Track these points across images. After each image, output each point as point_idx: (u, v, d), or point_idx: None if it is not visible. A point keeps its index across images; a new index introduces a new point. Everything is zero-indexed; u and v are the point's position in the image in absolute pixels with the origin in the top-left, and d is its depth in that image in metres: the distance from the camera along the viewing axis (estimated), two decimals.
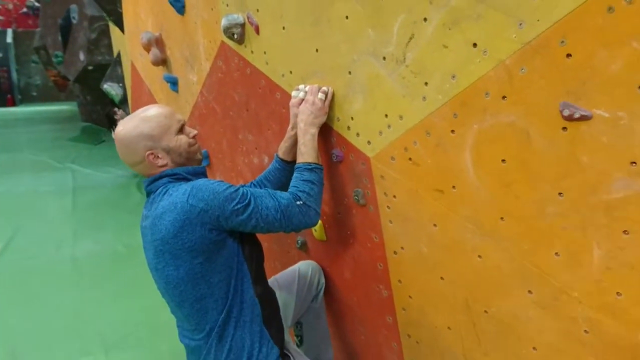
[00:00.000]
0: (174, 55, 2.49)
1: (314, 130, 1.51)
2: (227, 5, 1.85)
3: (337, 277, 1.79)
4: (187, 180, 1.43)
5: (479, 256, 1.24)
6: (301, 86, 1.56)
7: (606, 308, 1.03)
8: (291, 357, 1.55)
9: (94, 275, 3.69)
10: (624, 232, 0.95)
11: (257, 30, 1.73)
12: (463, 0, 1.09)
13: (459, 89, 1.16)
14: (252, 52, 1.79)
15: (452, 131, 1.20)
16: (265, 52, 1.73)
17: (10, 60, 24.40)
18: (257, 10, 1.71)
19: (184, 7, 2.21)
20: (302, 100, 1.53)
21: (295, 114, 1.55)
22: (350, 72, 1.42)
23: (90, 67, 9.95)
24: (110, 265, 3.84)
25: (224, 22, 1.79)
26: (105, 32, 9.82)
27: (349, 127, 1.48)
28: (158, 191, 1.43)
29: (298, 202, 1.42)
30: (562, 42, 0.95)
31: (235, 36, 1.80)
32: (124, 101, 4.17)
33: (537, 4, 0.97)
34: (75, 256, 3.98)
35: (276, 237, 2.07)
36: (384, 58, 1.31)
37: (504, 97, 1.08)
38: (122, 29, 3.38)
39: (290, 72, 1.65)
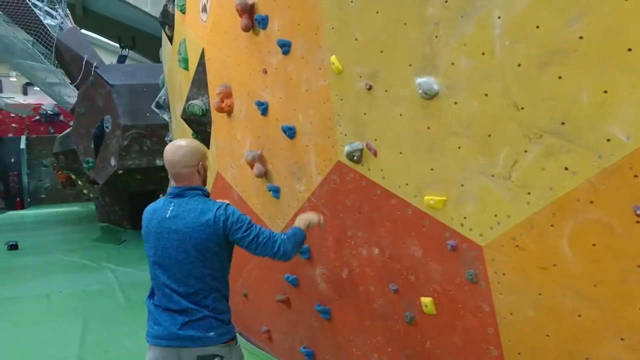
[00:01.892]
0: (276, 169, 3.09)
1: (308, 224, 2.44)
2: (346, 134, 2.46)
3: (447, 344, 2.23)
4: (208, 196, 2.28)
5: (579, 315, 1.73)
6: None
7: None
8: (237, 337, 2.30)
9: None
10: None
11: (375, 154, 2.32)
12: (556, 140, 1.67)
13: (556, 197, 1.71)
14: (369, 169, 2.37)
15: (552, 225, 1.74)
16: (382, 170, 2.31)
17: (22, 165, 25.33)
18: (375, 140, 2.31)
19: (295, 133, 2.83)
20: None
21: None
22: (462, 185, 1.99)
23: (120, 171, 10.67)
24: None
25: (347, 148, 2.39)
26: (136, 140, 10.66)
27: (462, 224, 2.02)
28: (192, 198, 2.20)
29: (283, 236, 2.27)
30: (630, 168, 1.52)
31: (355, 158, 2.39)
32: None
33: (611, 144, 1.54)
34: None
35: (382, 313, 2.52)
36: (493, 175, 1.88)
37: (591, 202, 1.63)
38: (207, 145, 4.02)
39: (407, 185, 2.21)
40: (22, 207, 23.94)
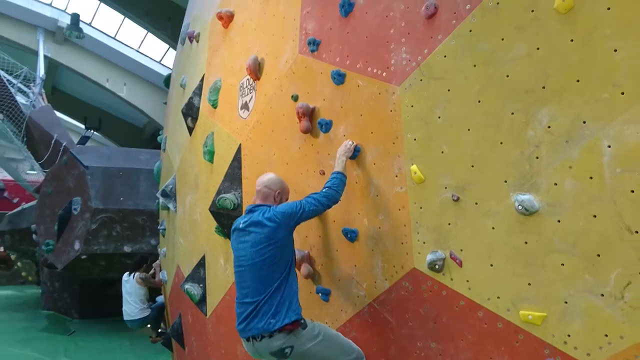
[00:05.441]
0: (327, 271, 3.02)
1: (345, 159, 2.82)
2: (424, 242, 2.48)
3: None
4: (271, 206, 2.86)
5: None
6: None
7: None
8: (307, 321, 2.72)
9: None
10: None
11: (460, 264, 2.33)
12: None
13: None
14: (451, 279, 2.37)
15: None
16: (467, 281, 2.31)
17: None
18: (461, 250, 2.34)
19: (357, 236, 2.82)
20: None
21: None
22: (566, 302, 2.01)
23: (83, 256, 10.09)
24: None
25: (431, 257, 2.40)
26: (105, 224, 10.24)
27: (565, 342, 2.01)
28: (259, 210, 2.82)
29: (325, 189, 2.75)
30: None
31: (437, 267, 2.39)
32: (201, 301, 4.47)
33: None
34: None
35: None
36: (602, 295, 1.92)
37: None
38: None
39: (498, 298, 2.21)
40: None
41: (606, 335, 1.91)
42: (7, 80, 13.64)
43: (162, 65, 19.23)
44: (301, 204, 2.73)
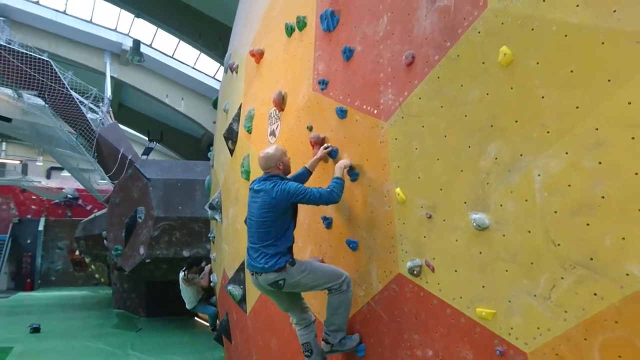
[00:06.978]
0: None
1: (343, 167, 3.42)
2: (406, 252, 3.00)
3: None
4: (283, 180, 3.46)
5: None
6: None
7: None
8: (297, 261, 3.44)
9: None
10: None
11: (433, 270, 2.84)
12: (586, 271, 2.19)
13: (587, 316, 2.19)
14: (427, 282, 2.88)
15: (585, 339, 2.20)
16: (438, 284, 2.82)
17: (38, 247, 25.68)
18: (433, 258, 2.84)
19: (357, 246, 3.37)
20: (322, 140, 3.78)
21: (319, 152, 3.72)
22: (509, 301, 2.48)
23: (147, 260, 11.11)
24: None
25: (409, 264, 2.92)
26: (166, 231, 11.21)
27: (509, 334, 2.48)
28: (271, 180, 3.44)
29: (328, 189, 3.32)
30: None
31: (415, 272, 2.91)
32: (242, 300, 5.15)
33: (630, 278, 2.06)
34: None
35: None
36: (535, 295, 2.38)
37: (616, 322, 2.11)
38: None
39: (461, 297, 2.71)
40: (32, 289, 24.02)
41: (538, 328, 2.37)
42: (79, 100, 15.02)
43: (216, 79, 20.42)
44: (306, 190, 3.33)
